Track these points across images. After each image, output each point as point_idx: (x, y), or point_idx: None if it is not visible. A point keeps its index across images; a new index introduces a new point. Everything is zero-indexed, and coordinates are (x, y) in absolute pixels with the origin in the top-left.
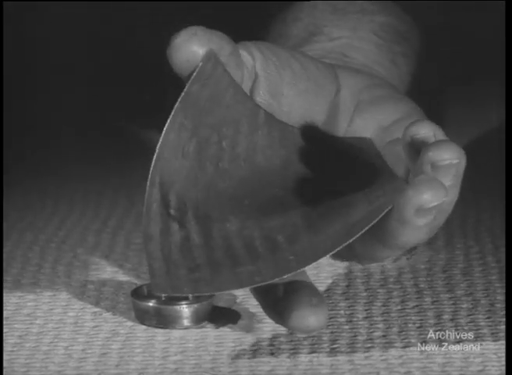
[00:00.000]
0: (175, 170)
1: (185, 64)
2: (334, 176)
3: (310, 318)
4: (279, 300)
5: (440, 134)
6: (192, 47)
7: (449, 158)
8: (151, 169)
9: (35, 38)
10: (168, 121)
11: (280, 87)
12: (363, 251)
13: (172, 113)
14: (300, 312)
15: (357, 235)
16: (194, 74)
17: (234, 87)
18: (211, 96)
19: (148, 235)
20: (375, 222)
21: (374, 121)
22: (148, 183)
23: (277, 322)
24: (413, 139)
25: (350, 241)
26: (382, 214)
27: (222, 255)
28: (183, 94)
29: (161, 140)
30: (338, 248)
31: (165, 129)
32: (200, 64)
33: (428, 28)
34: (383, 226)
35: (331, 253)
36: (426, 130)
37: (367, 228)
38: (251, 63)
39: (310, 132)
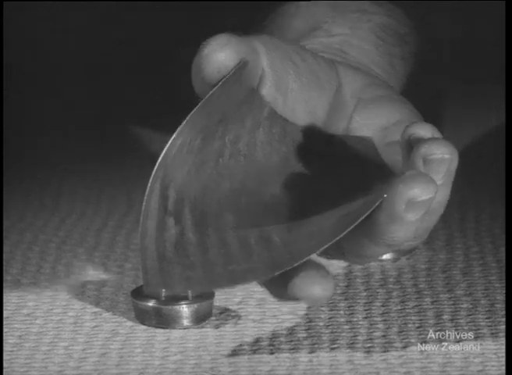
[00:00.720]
0: (178, 165)
1: (215, 74)
2: (333, 175)
3: (315, 286)
4: (284, 273)
5: (437, 135)
6: (223, 57)
7: (441, 153)
8: (157, 164)
9: (37, 36)
10: (183, 123)
11: (286, 80)
12: (350, 248)
13: (189, 117)
14: (305, 280)
15: (349, 228)
16: (221, 83)
17: (251, 86)
18: (228, 97)
19: (145, 230)
20: (366, 215)
21: (373, 121)
22: (152, 178)
23: (279, 295)
24: (411, 138)
25: (342, 235)
26: (373, 207)
27: (216, 253)
28: (204, 99)
29: (171, 140)
30: (330, 243)
31: (178, 130)
32: (231, 73)
33: (430, 30)
34: (372, 221)
35: (324, 247)
36: (424, 131)
37: (358, 221)
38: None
39: (310, 129)
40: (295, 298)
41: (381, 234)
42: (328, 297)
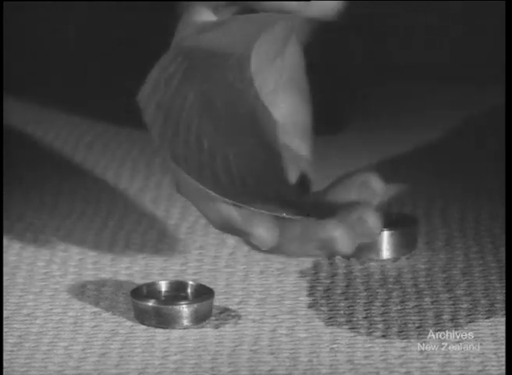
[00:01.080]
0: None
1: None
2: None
3: (259, 227)
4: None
5: (382, 190)
6: None
7: (373, 225)
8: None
9: (37, 36)
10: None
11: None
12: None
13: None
14: (251, 220)
15: (269, 213)
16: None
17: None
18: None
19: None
20: (283, 216)
21: (281, 110)
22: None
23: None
24: (361, 183)
25: (253, 209)
26: (289, 217)
27: (176, 115)
28: (231, 17)
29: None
30: (235, 204)
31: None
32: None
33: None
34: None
35: (246, 207)
36: (375, 183)
37: (275, 214)
38: None
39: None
40: (242, 234)
41: (281, 238)
42: (268, 241)
